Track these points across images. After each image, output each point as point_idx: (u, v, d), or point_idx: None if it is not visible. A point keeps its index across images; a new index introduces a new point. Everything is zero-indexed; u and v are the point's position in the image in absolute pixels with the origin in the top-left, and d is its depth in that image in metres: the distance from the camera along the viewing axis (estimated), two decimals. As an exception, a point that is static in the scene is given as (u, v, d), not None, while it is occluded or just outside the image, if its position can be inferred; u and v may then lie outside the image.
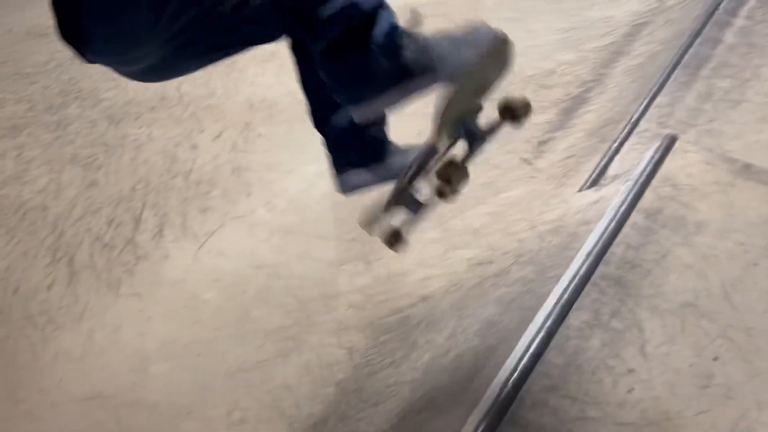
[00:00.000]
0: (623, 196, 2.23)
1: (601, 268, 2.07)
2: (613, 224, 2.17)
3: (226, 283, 2.96)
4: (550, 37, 4.33)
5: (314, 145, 3.60)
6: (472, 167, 1.73)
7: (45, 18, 4.74)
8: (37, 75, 4.15)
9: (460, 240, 2.94)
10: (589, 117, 3.43)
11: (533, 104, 1.70)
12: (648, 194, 2.27)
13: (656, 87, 3.08)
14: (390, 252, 1.86)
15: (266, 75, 4.14)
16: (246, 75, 4.12)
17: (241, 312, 2.75)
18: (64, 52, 4.79)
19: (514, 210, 2.94)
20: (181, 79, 4.14)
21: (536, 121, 3.58)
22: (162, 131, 3.71)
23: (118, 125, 3.72)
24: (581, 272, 2.04)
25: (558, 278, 2.09)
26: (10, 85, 4.07)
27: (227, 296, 2.89)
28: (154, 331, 2.75)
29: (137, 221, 3.21)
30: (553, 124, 3.53)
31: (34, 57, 4.30)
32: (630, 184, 2.32)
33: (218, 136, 3.69)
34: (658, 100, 3.01)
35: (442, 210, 3.21)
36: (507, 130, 1.70)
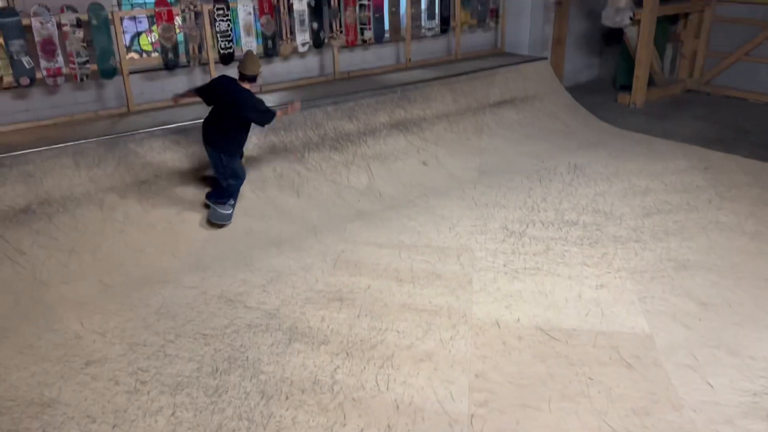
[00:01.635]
0: None
1: None
2: None
3: None
4: (732, 397, 3.88)
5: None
6: None
7: (237, 285, 5.21)
8: (212, 337, 4.47)
9: None
10: None
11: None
12: None
13: None
14: None
15: (419, 376, 4.11)
16: (399, 372, 4.12)
17: None
18: (244, 319, 5.17)
19: None
20: (338, 363, 4.21)
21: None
22: (306, 417, 3.68)
23: (268, 402, 3.78)
24: None
25: None
26: (189, 344, 4.41)
27: None
28: None
29: None
30: None
31: (216, 320, 4.69)
32: None
33: (358, 434, 3.59)
34: None
35: None
36: None
